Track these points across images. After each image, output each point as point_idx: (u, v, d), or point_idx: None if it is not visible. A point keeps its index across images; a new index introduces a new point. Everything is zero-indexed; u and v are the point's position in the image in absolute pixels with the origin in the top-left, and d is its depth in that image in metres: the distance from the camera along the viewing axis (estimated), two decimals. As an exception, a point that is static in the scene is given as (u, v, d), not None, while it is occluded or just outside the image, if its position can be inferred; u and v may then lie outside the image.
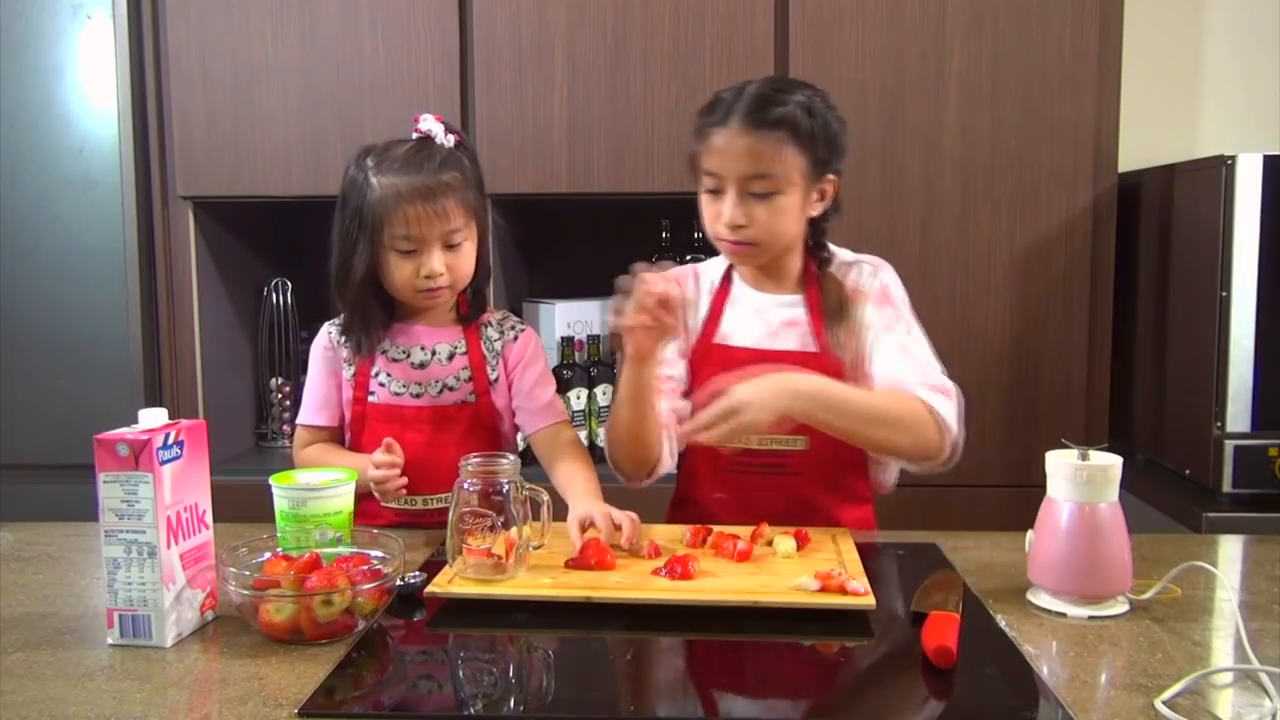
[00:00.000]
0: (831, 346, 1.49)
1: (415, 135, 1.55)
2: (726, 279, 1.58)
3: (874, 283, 1.52)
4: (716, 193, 1.46)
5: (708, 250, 2.39)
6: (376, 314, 1.57)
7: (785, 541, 1.32)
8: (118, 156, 2.24)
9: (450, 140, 1.55)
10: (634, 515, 1.34)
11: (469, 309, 1.62)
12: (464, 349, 1.59)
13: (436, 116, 1.56)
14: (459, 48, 2.21)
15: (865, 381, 1.46)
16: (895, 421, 1.37)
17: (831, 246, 1.56)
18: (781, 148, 1.41)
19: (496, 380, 1.60)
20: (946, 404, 1.40)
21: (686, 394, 1.52)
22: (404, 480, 1.51)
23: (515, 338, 1.62)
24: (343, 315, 1.59)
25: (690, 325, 1.57)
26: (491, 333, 1.62)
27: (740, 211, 1.43)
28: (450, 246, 1.52)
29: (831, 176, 1.48)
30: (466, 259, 1.55)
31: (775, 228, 1.45)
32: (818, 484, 1.51)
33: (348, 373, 1.60)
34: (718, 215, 1.45)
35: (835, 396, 1.35)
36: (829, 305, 1.50)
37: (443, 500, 1.54)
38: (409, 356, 1.58)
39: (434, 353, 1.58)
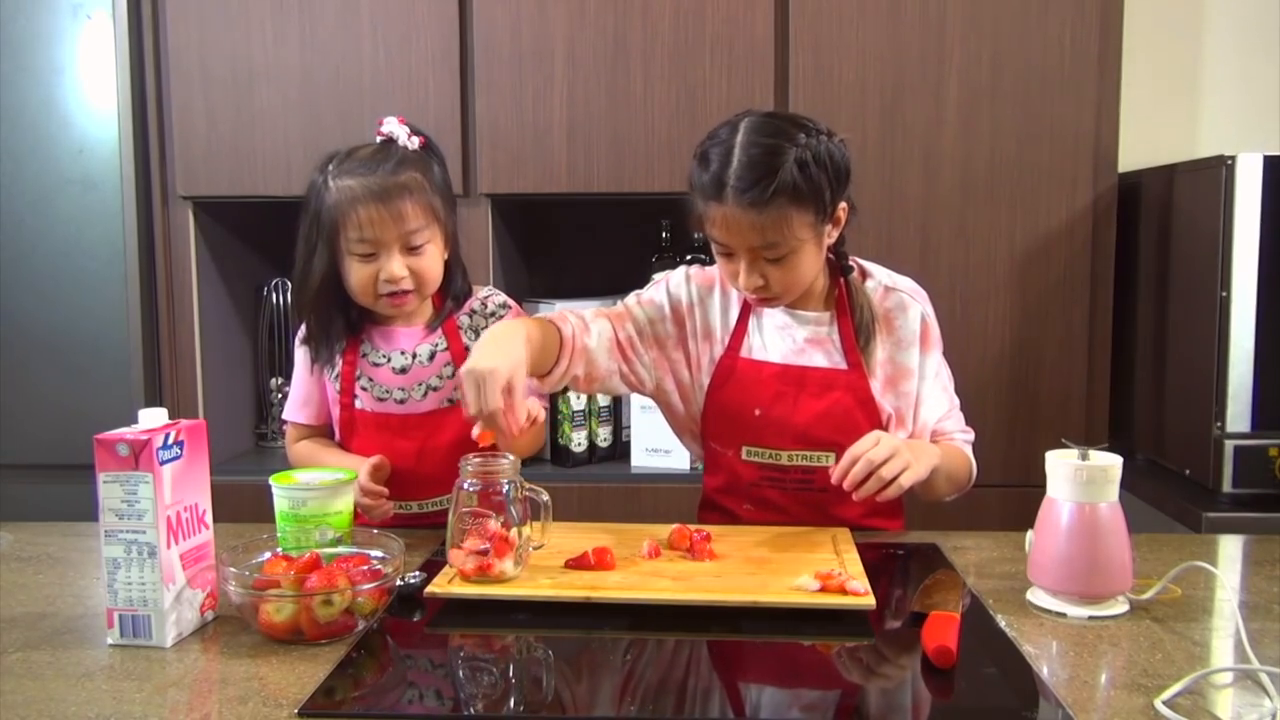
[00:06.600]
0: (863, 365, 1.48)
1: (378, 138, 1.52)
2: None
3: (914, 322, 1.50)
4: (729, 255, 1.43)
5: (709, 250, 2.40)
6: (337, 322, 1.54)
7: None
8: (118, 156, 2.23)
9: (414, 142, 1.52)
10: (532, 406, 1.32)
11: (441, 308, 1.58)
12: (444, 345, 1.57)
13: (400, 119, 1.53)
14: (459, 48, 2.21)
15: (904, 419, 1.49)
16: (955, 476, 1.52)
17: (866, 265, 1.54)
18: (785, 215, 1.35)
19: None
20: (971, 446, 1.56)
21: (624, 353, 1.51)
22: (391, 506, 1.49)
23: (497, 321, 1.59)
24: (303, 322, 1.57)
25: (715, 332, 1.54)
26: (478, 320, 1.58)
27: (755, 276, 1.41)
28: (412, 249, 1.48)
29: (842, 205, 1.44)
30: (431, 261, 1.51)
31: (794, 280, 1.43)
32: (844, 499, 1.48)
33: (331, 374, 1.58)
34: (734, 274, 1.43)
35: (940, 459, 1.45)
36: (857, 324, 1.49)
37: (438, 504, 1.54)
38: (390, 361, 1.56)
39: (414, 355, 1.56)
